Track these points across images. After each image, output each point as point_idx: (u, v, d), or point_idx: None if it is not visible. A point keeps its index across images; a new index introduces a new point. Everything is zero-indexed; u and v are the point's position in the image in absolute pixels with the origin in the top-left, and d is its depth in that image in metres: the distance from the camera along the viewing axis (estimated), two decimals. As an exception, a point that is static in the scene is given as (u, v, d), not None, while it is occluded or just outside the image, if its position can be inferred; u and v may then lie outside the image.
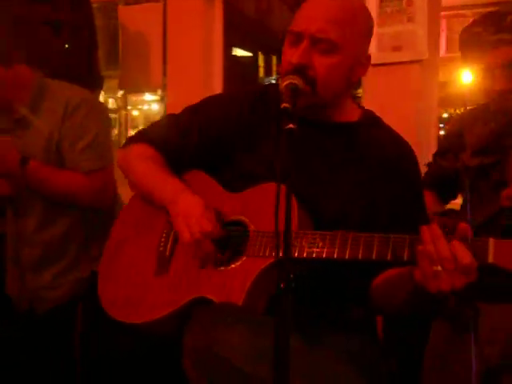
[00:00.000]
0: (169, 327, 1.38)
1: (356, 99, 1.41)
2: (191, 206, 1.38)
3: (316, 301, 1.37)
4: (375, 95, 2.60)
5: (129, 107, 8.13)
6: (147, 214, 1.54)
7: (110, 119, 2.26)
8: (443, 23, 3.45)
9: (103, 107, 2.07)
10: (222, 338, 1.15)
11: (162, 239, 1.48)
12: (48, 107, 1.93)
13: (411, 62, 2.49)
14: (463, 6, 3.00)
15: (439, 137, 2.70)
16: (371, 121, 1.50)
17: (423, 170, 2.08)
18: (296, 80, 1.27)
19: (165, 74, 3.12)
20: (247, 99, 1.53)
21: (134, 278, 1.48)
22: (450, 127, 2.02)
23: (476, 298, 1.73)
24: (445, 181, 1.95)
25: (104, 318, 1.47)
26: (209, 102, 1.59)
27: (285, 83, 1.26)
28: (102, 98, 8.50)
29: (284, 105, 1.13)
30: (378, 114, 2.50)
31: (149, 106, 6.76)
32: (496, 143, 1.76)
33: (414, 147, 2.47)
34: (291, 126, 1.10)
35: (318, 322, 1.37)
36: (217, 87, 3.06)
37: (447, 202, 2.08)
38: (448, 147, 1.96)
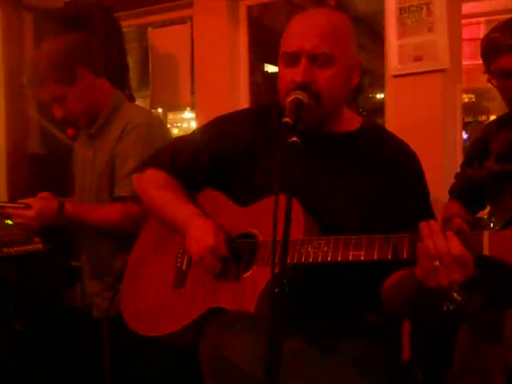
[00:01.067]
0: (188, 338, 1.44)
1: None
2: (201, 230, 1.42)
3: (328, 306, 1.40)
4: (398, 106, 2.61)
5: (168, 125, 8.33)
6: (165, 232, 1.62)
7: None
8: (466, 31, 3.42)
9: (159, 134, 2.03)
10: (231, 345, 1.20)
11: (179, 255, 1.55)
12: (116, 126, 2.02)
13: (433, 71, 2.49)
14: (483, 13, 2.98)
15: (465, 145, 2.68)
16: (371, 128, 1.53)
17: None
18: (301, 95, 1.32)
19: (193, 92, 3.21)
20: (252, 117, 1.58)
21: (154, 292, 1.56)
22: (475, 136, 2.02)
23: (502, 303, 1.72)
24: (472, 190, 1.94)
25: (130, 333, 1.55)
26: (216, 123, 1.65)
27: (290, 98, 1.31)
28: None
29: (285, 119, 1.18)
30: (402, 124, 2.55)
31: (188, 123, 6.92)
32: None
33: (439, 155, 2.50)
34: (294, 139, 1.15)
35: (330, 326, 1.39)
36: (244, 103, 3.13)
37: (476, 212, 2.06)
38: (473, 156, 1.96)
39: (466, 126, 5.23)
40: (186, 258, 1.53)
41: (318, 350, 1.31)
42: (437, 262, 1.09)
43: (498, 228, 1.67)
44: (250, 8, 3.18)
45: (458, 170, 2.25)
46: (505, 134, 1.83)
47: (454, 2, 2.54)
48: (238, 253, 1.42)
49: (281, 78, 1.43)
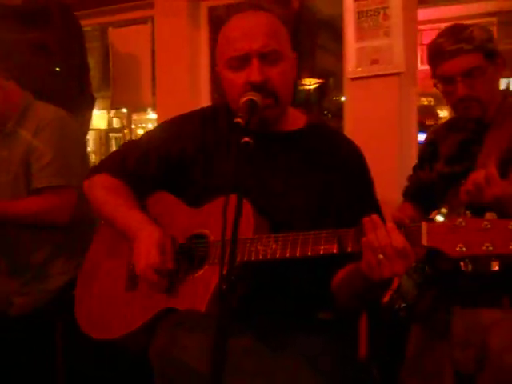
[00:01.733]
0: (140, 340, 1.44)
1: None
2: (147, 243, 1.41)
3: (279, 303, 1.41)
4: (356, 108, 2.66)
5: (133, 126, 8.26)
6: (117, 236, 1.60)
7: (80, 141, 2.37)
8: (421, 37, 3.51)
9: (73, 128, 2.20)
10: (181, 343, 1.21)
11: (131, 258, 1.54)
12: (28, 125, 2.10)
13: (389, 74, 2.54)
14: (439, 20, 3.06)
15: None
16: (317, 126, 1.56)
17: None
18: (255, 96, 1.33)
19: (154, 93, 3.21)
20: (200, 119, 1.59)
21: (106, 296, 1.55)
22: (425, 139, 2.07)
23: (450, 301, 1.77)
24: (423, 191, 1.98)
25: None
26: (164, 126, 1.65)
27: (244, 99, 1.32)
28: (106, 118, 8.59)
29: (237, 120, 1.20)
30: (360, 126, 2.59)
31: (152, 124, 6.87)
32: (465, 151, 1.81)
33: (395, 157, 2.55)
34: (247, 139, 1.16)
35: (282, 323, 1.41)
36: (205, 104, 3.07)
37: (428, 213, 2.11)
38: (424, 158, 2.00)
39: (427, 129, 5.36)
40: None
41: (270, 348, 1.33)
42: (380, 256, 1.13)
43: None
44: (211, 9, 3.18)
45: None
46: (453, 137, 1.88)
47: (410, 7, 2.60)
48: (189, 253, 1.42)
49: (231, 82, 1.43)
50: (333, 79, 6.21)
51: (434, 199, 1.90)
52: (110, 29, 3.33)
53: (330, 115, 6.36)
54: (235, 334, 1.28)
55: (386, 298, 1.86)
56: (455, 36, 1.69)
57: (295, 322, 1.43)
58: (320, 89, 6.45)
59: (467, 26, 1.70)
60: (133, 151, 1.63)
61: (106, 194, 1.58)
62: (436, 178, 1.89)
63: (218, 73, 1.52)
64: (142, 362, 1.44)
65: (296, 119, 1.56)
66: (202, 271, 1.38)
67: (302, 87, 6.23)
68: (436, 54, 1.74)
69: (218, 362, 0.88)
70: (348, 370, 1.45)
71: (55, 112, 2.16)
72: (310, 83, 6.15)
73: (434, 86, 1.80)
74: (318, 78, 6.12)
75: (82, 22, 3.08)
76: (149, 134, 1.70)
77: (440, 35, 1.74)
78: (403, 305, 1.77)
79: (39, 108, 2.17)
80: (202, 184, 1.51)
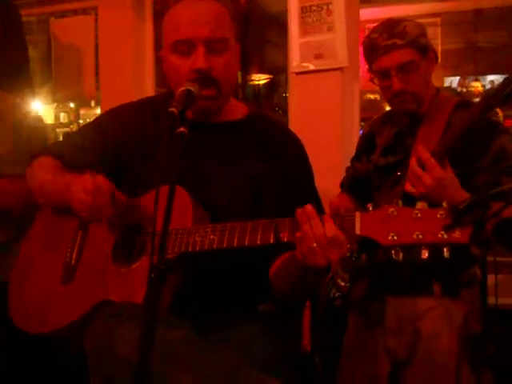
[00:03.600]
0: (78, 333, 1.41)
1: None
2: (80, 180, 1.38)
3: (221, 294, 1.42)
4: (300, 101, 2.69)
5: (81, 121, 8.06)
6: (52, 230, 1.58)
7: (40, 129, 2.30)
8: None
9: (32, 116, 2.15)
10: (116, 334, 1.19)
11: (68, 249, 1.52)
12: None
13: (332, 69, 2.58)
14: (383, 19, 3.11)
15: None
16: (258, 117, 1.57)
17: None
18: (192, 86, 1.32)
19: (98, 85, 3.15)
20: (142, 109, 1.58)
21: (42, 289, 1.52)
22: (363, 131, 2.11)
23: (383, 290, 1.82)
24: (360, 183, 2.03)
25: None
26: (106, 116, 1.63)
27: (181, 89, 1.31)
28: (52, 113, 8.39)
29: (171, 109, 1.19)
30: (303, 119, 2.62)
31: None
32: (399, 143, 1.86)
33: (338, 151, 2.59)
34: (182, 129, 1.16)
35: (224, 315, 1.42)
36: (150, 97, 3.09)
37: (364, 204, 2.16)
38: (361, 150, 2.05)
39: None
40: (75, 252, 1.50)
41: (208, 339, 1.32)
42: (314, 244, 1.15)
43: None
44: (156, 1, 3.14)
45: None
46: (388, 129, 1.92)
47: (353, 3, 2.65)
48: (127, 244, 1.41)
49: (175, 67, 1.42)
50: (283, 75, 6.25)
51: (369, 190, 1.95)
52: (52, 19, 3.25)
53: (280, 111, 6.39)
54: (172, 324, 1.28)
55: (321, 288, 1.90)
56: (389, 31, 1.72)
57: (235, 314, 1.43)
58: (270, 85, 6.47)
59: (400, 22, 1.74)
60: (73, 140, 1.61)
61: (42, 168, 1.56)
62: (372, 169, 1.94)
63: (161, 57, 1.50)
64: (78, 356, 1.42)
65: (238, 110, 1.56)
66: (138, 263, 1.37)
67: (251, 82, 6.24)
68: (371, 49, 1.77)
69: (145, 352, 0.87)
70: (289, 361, 1.47)
71: (13, 99, 2.10)
72: (260, 79, 6.16)
73: (371, 80, 1.83)
74: (268, 74, 6.15)
75: (23, 12, 2.99)
76: (90, 124, 1.67)
77: (374, 30, 1.77)
78: (337, 294, 1.80)
79: None
80: (141, 174, 1.50)
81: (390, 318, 1.79)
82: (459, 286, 1.76)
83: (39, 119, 2.27)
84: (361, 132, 2.83)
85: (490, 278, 1.84)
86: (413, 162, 1.53)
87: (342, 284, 1.79)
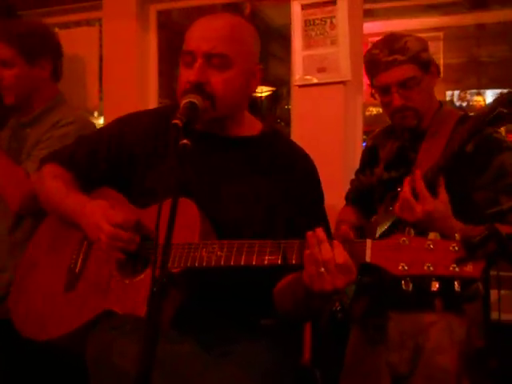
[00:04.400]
0: (78, 342, 1.40)
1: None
2: (95, 211, 1.41)
3: (224, 308, 1.42)
4: (303, 114, 2.69)
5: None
6: (59, 234, 1.58)
7: None
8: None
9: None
10: (117, 346, 1.19)
11: (73, 256, 1.51)
12: (48, 121, 2.06)
13: (335, 82, 2.58)
14: (387, 33, 3.11)
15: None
16: (271, 134, 1.57)
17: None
18: (195, 98, 1.33)
19: (101, 96, 3.15)
20: (154, 118, 1.58)
21: (44, 295, 1.52)
22: (366, 144, 2.11)
23: (385, 305, 1.81)
24: (364, 195, 2.02)
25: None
26: (118, 123, 1.64)
27: (184, 101, 1.32)
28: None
29: (175, 121, 1.19)
30: (306, 133, 2.62)
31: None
32: (402, 158, 1.85)
33: (340, 163, 2.58)
34: (185, 141, 1.16)
35: (227, 329, 1.41)
36: (153, 109, 3.10)
37: (369, 217, 2.15)
38: (365, 163, 2.04)
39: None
40: (80, 260, 1.49)
41: (210, 354, 1.32)
42: (322, 269, 1.13)
43: (378, 235, 1.75)
44: (160, 13, 3.16)
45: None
46: (391, 143, 1.92)
47: (356, 17, 2.66)
48: (133, 255, 1.41)
49: (179, 78, 1.44)
50: (285, 88, 6.27)
51: (374, 203, 1.95)
52: (56, 30, 3.25)
53: (282, 123, 6.40)
54: (176, 339, 1.28)
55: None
56: (389, 47, 1.71)
57: (237, 328, 1.43)
58: (272, 97, 6.49)
59: (402, 37, 1.74)
60: (83, 145, 1.62)
61: (52, 180, 1.57)
62: (375, 183, 1.93)
63: None
64: (79, 366, 1.41)
65: (251, 126, 1.56)
66: (143, 275, 1.36)
67: (253, 95, 6.26)
68: (372, 65, 1.77)
69: (145, 367, 0.86)
70: (290, 375, 1.46)
71: (81, 114, 2.16)
72: (262, 91, 6.18)
73: (372, 95, 1.83)
74: (270, 86, 6.16)
75: (27, 23, 3.00)
76: (101, 130, 1.69)
77: (375, 46, 1.77)
78: (339, 307, 1.79)
79: (66, 108, 2.15)
80: (149, 184, 1.50)
81: (392, 333, 1.78)
82: (461, 301, 1.75)
83: None
84: (364, 144, 2.84)
85: (493, 294, 1.83)
86: (406, 189, 1.52)
87: (345, 297, 1.78)
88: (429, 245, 1.09)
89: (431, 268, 1.08)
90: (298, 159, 1.55)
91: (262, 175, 1.48)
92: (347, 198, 2.13)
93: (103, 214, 1.38)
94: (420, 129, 1.78)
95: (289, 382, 1.44)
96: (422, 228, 1.43)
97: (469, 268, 1.06)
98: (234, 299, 1.42)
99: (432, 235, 1.12)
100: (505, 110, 1.46)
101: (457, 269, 1.06)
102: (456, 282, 1.08)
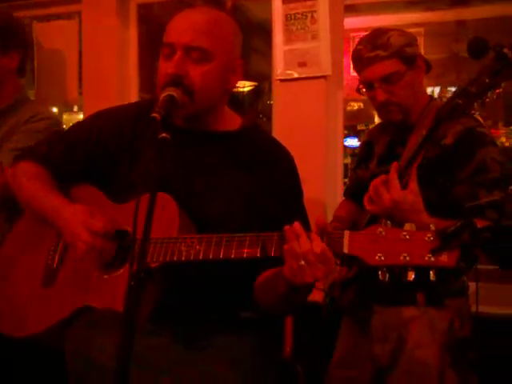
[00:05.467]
0: (57, 337, 1.39)
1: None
2: (74, 216, 1.40)
3: (204, 302, 1.42)
4: (284, 109, 2.69)
5: (64, 126, 7.95)
6: (36, 230, 1.57)
7: None
8: (353, 44, 3.59)
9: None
10: (95, 341, 1.18)
11: (51, 252, 1.50)
12: (23, 113, 2.07)
13: (316, 77, 2.58)
14: (369, 28, 3.13)
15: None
16: (251, 129, 1.57)
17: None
18: (174, 92, 1.32)
19: (81, 90, 3.12)
20: (131, 113, 1.57)
21: (21, 292, 1.50)
22: (363, 139, 2.12)
23: (369, 299, 1.82)
24: (361, 190, 2.03)
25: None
26: (95, 118, 1.62)
27: (163, 95, 1.31)
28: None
29: (154, 114, 1.18)
30: (287, 126, 2.62)
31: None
32: (391, 152, 1.86)
33: (321, 158, 2.59)
34: (164, 135, 1.15)
35: (206, 323, 1.41)
36: (133, 103, 3.07)
37: (367, 210, 2.16)
38: (361, 158, 2.05)
39: (359, 134, 5.50)
40: (57, 256, 1.48)
41: (188, 347, 1.32)
42: (302, 262, 1.14)
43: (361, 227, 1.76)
44: (140, 6, 3.13)
45: (338, 171, 2.36)
46: (384, 137, 1.93)
47: (337, 12, 2.66)
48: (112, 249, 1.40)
49: (159, 70, 1.43)
50: (267, 83, 6.26)
51: None
52: (35, 23, 3.21)
53: (264, 119, 6.40)
54: (153, 333, 1.27)
55: (315, 296, 1.90)
56: (372, 43, 1.72)
57: (217, 322, 1.43)
58: (254, 92, 6.48)
59: (386, 32, 1.74)
60: (59, 142, 1.60)
61: (28, 179, 1.55)
62: (369, 177, 1.94)
63: None
64: (57, 362, 1.40)
65: (231, 121, 1.55)
66: (122, 269, 1.35)
67: (235, 90, 6.24)
68: (356, 60, 1.78)
69: (123, 361, 0.86)
70: (270, 369, 1.47)
71: (53, 113, 2.22)
72: (244, 86, 6.17)
73: (358, 91, 1.84)
74: (252, 81, 6.15)
75: (5, 15, 2.95)
76: (78, 124, 1.67)
77: (360, 42, 1.78)
78: (328, 300, 1.80)
79: (38, 103, 2.21)
80: (127, 179, 1.49)
81: (375, 325, 1.80)
82: (444, 296, 1.76)
83: None
84: (346, 140, 2.85)
85: (471, 286, 1.85)
86: (378, 179, 1.53)
87: (334, 291, 1.79)
88: (405, 235, 1.11)
89: (407, 258, 1.10)
90: (278, 154, 1.56)
91: (242, 170, 1.48)
92: (345, 192, 2.15)
93: (83, 220, 1.37)
94: (408, 123, 1.79)
95: (270, 375, 1.44)
96: (399, 220, 1.44)
97: (444, 257, 1.08)
98: (214, 293, 1.42)
99: (408, 226, 1.14)
100: (460, 101, 1.48)
101: (432, 258, 1.08)
102: (431, 272, 1.09)
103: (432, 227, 1.11)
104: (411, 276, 1.11)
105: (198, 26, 1.39)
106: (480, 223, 1.11)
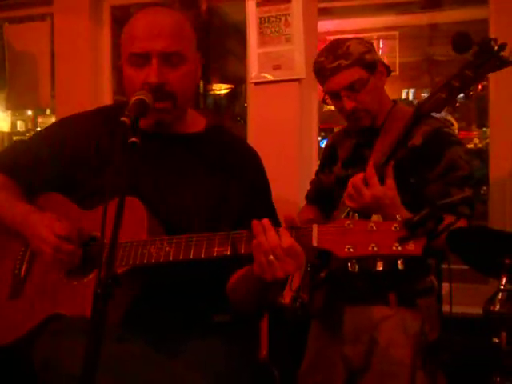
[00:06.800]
0: (26, 348, 1.37)
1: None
2: (40, 221, 1.38)
3: (175, 306, 1.40)
4: (259, 111, 2.69)
5: (38, 129, 7.84)
6: (2, 240, 1.53)
7: None
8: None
9: None
10: (64, 348, 1.17)
11: (17, 262, 1.47)
12: None
13: (290, 80, 2.59)
14: (343, 31, 3.16)
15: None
16: (215, 129, 1.57)
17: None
18: (145, 96, 1.31)
19: (53, 93, 3.08)
20: (96, 119, 1.56)
21: None
22: (326, 143, 2.13)
23: (340, 300, 1.83)
24: (324, 194, 2.04)
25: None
26: (58, 125, 1.61)
27: (133, 98, 1.29)
28: (9, 120, 8.15)
29: (123, 118, 1.17)
30: (262, 129, 2.62)
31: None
32: (358, 155, 1.88)
33: (295, 161, 2.60)
34: (134, 139, 1.14)
35: (178, 327, 1.40)
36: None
37: (330, 215, 2.17)
38: (325, 162, 2.06)
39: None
40: (24, 265, 1.46)
41: (161, 354, 1.30)
42: (271, 256, 1.14)
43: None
44: (114, 8, 3.10)
45: (313, 173, 2.36)
46: (349, 141, 1.95)
47: (311, 15, 2.67)
48: (80, 255, 1.38)
49: (129, 79, 1.41)
50: (244, 86, 6.26)
51: (334, 201, 1.96)
52: (6, 25, 3.17)
53: (242, 121, 6.39)
54: (123, 338, 1.26)
55: (287, 299, 1.90)
56: (333, 53, 1.74)
57: (190, 326, 1.42)
58: (231, 94, 6.47)
59: (344, 41, 1.76)
60: (24, 151, 1.57)
61: None
62: (334, 181, 1.95)
63: (120, 67, 1.49)
64: (28, 372, 1.37)
65: (195, 122, 1.55)
66: (91, 275, 1.34)
67: (212, 92, 6.23)
68: (319, 72, 1.80)
69: (89, 369, 0.84)
70: (245, 372, 1.45)
71: None
72: (221, 88, 6.15)
73: (323, 101, 1.86)
74: (229, 84, 6.14)
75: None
76: (41, 134, 1.64)
77: (320, 54, 1.80)
78: (299, 304, 1.80)
79: None
80: (94, 185, 1.47)
81: (347, 326, 1.81)
82: (415, 295, 1.78)
83: None
84: (323, 143, 2.86)
85: (445, 287, 1.86)
86: (357, 177, 1.55)
87: (304, 295, 1.79)
88: (372, 226, 1.13)
89: (375, 248, 1.11)
90: (245, 153, 1.56)
91: (209, 170, 1.48)
92: (308, 197, 2.15)
93: (47, 224, 1.36)
94: (374, 127, 1.81)
95: (244, 378, 1.43)
96: (365, 213, 1.46)
97: (410, 246, 1.10)
98: (185, 296, 1.41)
99: (375, 217, 1.16)
100: (443, 95, 1.51)
101: (399, 248, 1.10)
102: (399, 261, 1.11)
103: (398, 217, 1.13)
104: (380, 266, 1.13)
105: (167, 30, 1.38)
106: (450, 219, 1.13)
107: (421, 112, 1.57)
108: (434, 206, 1.11)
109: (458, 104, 1.51)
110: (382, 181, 1.55)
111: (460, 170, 1.69)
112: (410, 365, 1.71)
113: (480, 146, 4.92)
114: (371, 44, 1.81)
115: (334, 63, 1.73)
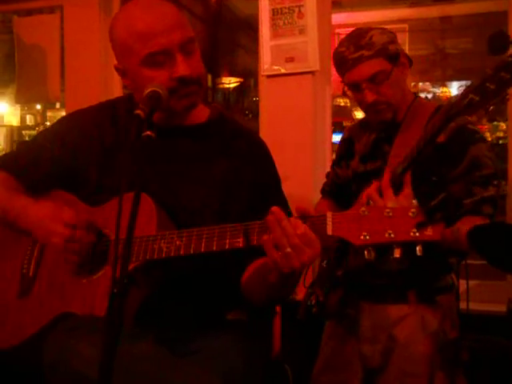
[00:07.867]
0: (36, 348, 1.34)
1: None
2: (44, 212, 1.33)
3: (189, 304, 1.37)
4: (271, 105, 2.65)
5: (47, 123, 7.84)
6: (9, 239, 1.50)
7: None
8: (338, 39, 3.57)
9: None
10: (75, 348, 1.14)
11: (25, 260, 1.45)
12: None
13: (303, 72, 2.55)
14: (355, 24, 3.11)
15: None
16: (219, 119, 1.53)
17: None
18: (159, 88, 1.27)
19: (63, 86, 3.06)
20: (97, 114, 1.51)
21: None
22: (342, 136, 2.08)
23: (358, 298, 1.79)
24: (340, 188, 2.00)
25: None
26: (61, 123, 1.57)
27: (147, 90, 1.26)
28: (18, 115, 8.15)
29: (137, 111, 1.13)
30: (274, 122, 2.59)
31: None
32: (377, 150, 1.83)
33: (309, 153, 2.57)
34: (149, 133, 1.11)
35: (191, 325, 1.37)
36: (117, 99, 3.01)
37: (346, 209, 2.13)
38: (341, 155, 2.02)
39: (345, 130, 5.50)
40: (32, 264, 1.42)
41: (173, 353, 1.27)
42: (288, 249, 1.11)
43: None
44: (124, 0, 3.06)
45: (327, 168, 2.32)
46: (367, 135, 1.90)
47: (325, 7, 2.63)
48: (90, 253, 1.34)
49: (150, 80, 1.32)
50: (252, 79, 6.23)
51: (350, 196, 1.92)
52: (15, 17, 3.14)
53: (250, 115, 6.37)
54: (137, 338, 1.23)
55: (301, 295, 1.87)
56: (355, 43, 1.68)
57: (203, 324, 1.39)
58: (240, 88, 6.45)
59: (367, 32, 1.70)
60: (27, 149, 1.54)
61: None
62: (351, 175, 1.91)
63: (120, 70, 1.43)
64: (36, 373, 1.35)
65: (199, 113, 1.50)
66: (100, 273, 1.31)
67: (221, 86, 6.20)
68: (340, 63, 1.73)
69: (106, 370, 0.82)
70: (258, 370, 1.43)
71: None
72: (230, 82, 6.13)
73: (344, 93, 1.80)
74: (238, 77, 6.12)
75: (-16, 9, 2.90)
76: (45, 132, 1.61)
77: (341, 44, 1.74)
78: (314, 301, 1.77)
79: None
80: (100, 182, 1.44)
81: (364, 325, 1.78)
82: (435, 293, 1.74)
83: None
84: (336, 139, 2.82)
85: (462, 284, 1.83)
86: (372, 188, 1.50)
87: (321, 291, 1.76)
88: (388, 212, 1.09)
89: (392, 235, 1.08)
90: (250, 141, 1.53)
91: (216, 161, 1.45)
92: (323, 190, 2.11)
93: (54, 216, 1.30)
94: (395, 121, 1.76)
95: (258, 377, 1.41)
96: None
97: (429, 231, 1.06)
98: (199, 294, 1.38)
99: (390, 203, 1.12)
100: (477, 98, 1.44)
101: (417, 233, 1.06)
102: (417, 247, 1.07)
103: (415, 203, 1.09)
104: (397, 253, 1.09)
105: (175, 19, 1.34)
106: (476, 221, 1.09)
107: (451, 113, 1.49)
108: (450, 191, 1.06)
109: (492, 108, 1.43)
110: (399, 188, 1.49)
111: (484, 168, 1.63)
112: (429, 364, 1.68)
113: (490, 139, 4.89)
114: (394, 34, 1.75)
115: (356, 54, 1.67)
